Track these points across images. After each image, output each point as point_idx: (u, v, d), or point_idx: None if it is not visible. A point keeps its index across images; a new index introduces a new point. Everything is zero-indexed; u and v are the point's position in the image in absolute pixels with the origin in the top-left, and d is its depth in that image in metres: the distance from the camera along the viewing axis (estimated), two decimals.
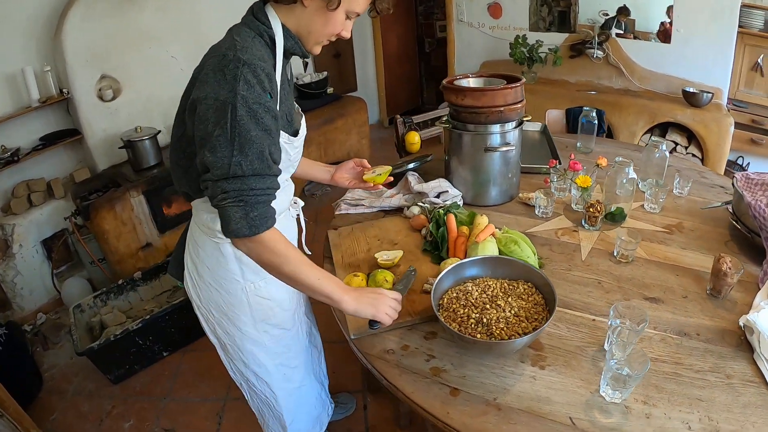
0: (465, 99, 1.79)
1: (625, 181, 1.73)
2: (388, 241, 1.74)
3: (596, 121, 2.19)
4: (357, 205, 1.93)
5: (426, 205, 1.81)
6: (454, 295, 1.38)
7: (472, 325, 1.29)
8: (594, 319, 1.44)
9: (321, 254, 1.69)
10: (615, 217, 1.77)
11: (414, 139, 2.39)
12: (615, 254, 1.65)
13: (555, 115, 2.86)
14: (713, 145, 2.80)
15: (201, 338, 2.67)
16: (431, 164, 2.12)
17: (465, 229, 1.68)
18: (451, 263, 1.52)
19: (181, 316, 2.62)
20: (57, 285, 3.11)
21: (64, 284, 3.10)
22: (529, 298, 1.37)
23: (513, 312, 1.31)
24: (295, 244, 1.56)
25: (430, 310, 1.44)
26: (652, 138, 1.95)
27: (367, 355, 1.36)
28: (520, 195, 1.93)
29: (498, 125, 1.80)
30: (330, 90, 4.33)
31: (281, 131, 1.25)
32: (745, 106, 3.08)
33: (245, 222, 1.16)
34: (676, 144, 3.04)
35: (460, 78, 1.94)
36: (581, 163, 1.87)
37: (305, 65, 4.52)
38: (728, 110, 3.03)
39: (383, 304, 1.28)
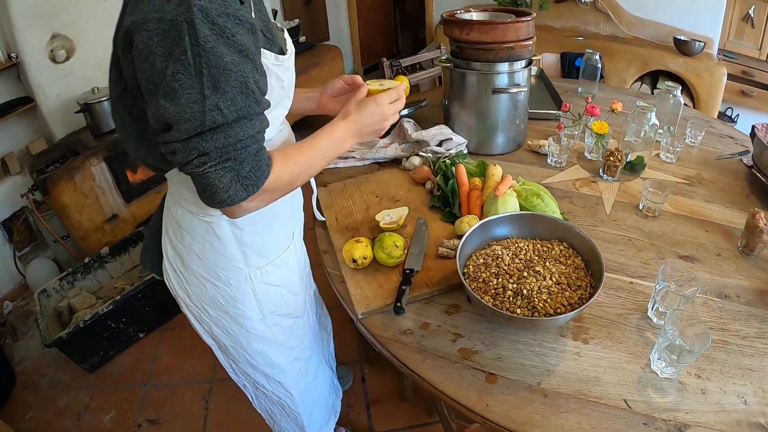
0: (471, 33, 1.47)
1: (647, 127, 1.49)
2: (388, 197, 1.44)
3: (599, 65, 1.93)
4: (347, 158, 1.61)
5: (428, 155, 1.51)
6: (482, 261, 1.11)
7: (510, 298, 1.02)
8: (632, 282, 1.21)
9: (311, 217, 1.37)
10: (635, 167, 1.54)
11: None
12: (640, 207, 1.42)
13: (550, 60, 2.58)
14: (705, 95, 2.62)
15: (178, 315, 2.36)
16: (426, 111, 1.80)
17: (477, 181, 1.40)
18: (469, 222, 1.24)
19: (154, 293, 2.28)
20: (21, 269, 2.67)
21: (28, 267, 2.66)
22: (568, 261, 1.11)
23: (554, 279, 1.06)
24: (300, 210, 1.26)
25: (449, 279, 1.17)
26: (667, 83, 1.71)
27: (380, 337, 1.08)
28: (529, 143, 1.65)
29: (507, 64, 1.50)
30: (302, 38, 3.91)
31: (263, 49, 0.89)
32: (735, 57, 2.91)
33: (238, 184, 0.83)
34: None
35: (461, 12, 1.61)
36: (598, 107, 1.60)
37: (274, 13, 4.04)
38: (719, 60, 2.85)
39: (386, 115, 1.07)
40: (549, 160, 1.58)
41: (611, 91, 2.19)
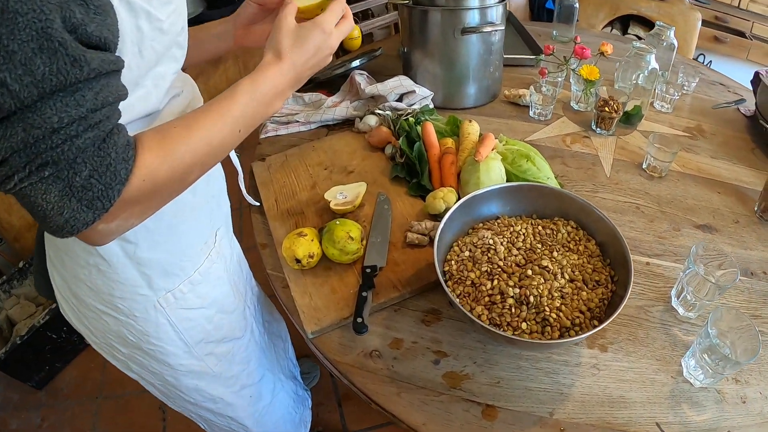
0: None
1: (646, 72, 1.19)
2: (339, 168, 1.10)
3: (576, 4, 1.60)
4: (289, 123, 1.25)
5: (386, 112, 1.17)
6: (467, 254, 0.80)
7: (511, 309, 0.72)
8: (648, 263, 0.94)
9: (242, 199, 1.02)
10: (631, 119, 1.25)
11: (354, 32, 1.61)
12: (644, 166, 1.14)
13: (518, 2, 2.24)
14: (679, 40, 2.34)
15: None
16: (381, 62, 1.44)
17: (450, 142, 1.07)
18: (444, 197, 0.93)
19: None
20: None
21: None
22: (580, 248, 0.82)
23: (567, 276, 0.77)
24: (223, 198, 0.89)
25: (424, 275, 0.86)
26: (658, 23, 1.41)
27: (338, 364, 0.77)
28: (506, 92, 1.33)
29: None
30: None
31: None
32: (707, 2, 2.63)
33: (74, 200, 0.48)
34: (639, 38, 2.56)
35: None
36: (588, 49, 1.29)
37: None
38: (691, 5, 2.58)
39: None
40: (531, 113, 1.27)
41: (589, 34, 1.87)
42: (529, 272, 0.75)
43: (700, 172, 1.16)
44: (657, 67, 1.19)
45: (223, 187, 0.86)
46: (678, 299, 0.88)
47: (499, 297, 0.73)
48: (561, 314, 0.73)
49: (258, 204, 1.01)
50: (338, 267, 0.88)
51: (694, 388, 0.77)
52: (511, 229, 0.82)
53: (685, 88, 1.40)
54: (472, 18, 1.16)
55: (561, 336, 0.72)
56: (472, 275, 0.76)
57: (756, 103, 1.31)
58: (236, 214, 1.02)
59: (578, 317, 0.73)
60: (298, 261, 0.84)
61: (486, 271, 0.76)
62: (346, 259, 0.86)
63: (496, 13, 1.18)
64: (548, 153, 1.15)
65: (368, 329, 0.75)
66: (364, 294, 0.80)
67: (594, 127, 1.23)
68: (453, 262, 0.79)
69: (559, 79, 1.30)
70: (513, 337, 0.67)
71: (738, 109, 1.41)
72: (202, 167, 0.59)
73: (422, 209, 0.97)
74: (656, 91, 1.33)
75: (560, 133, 1.22)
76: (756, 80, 1.32)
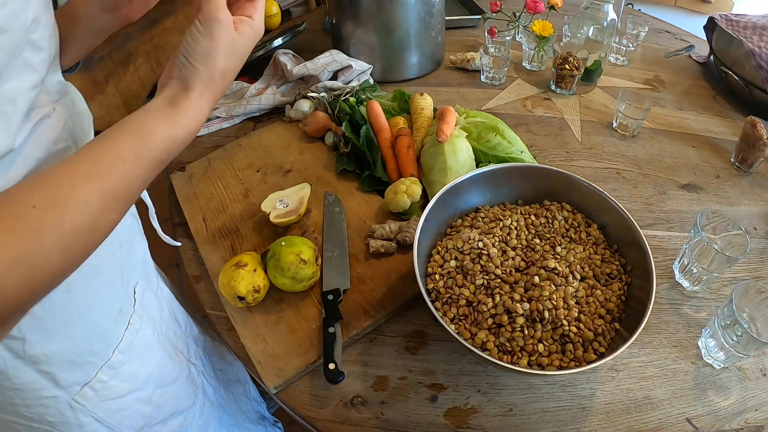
0: None
1: (605, 23, 1.05)
2: (273, 168, 0.89)
3: None
4: (209, 120, 1.00)
5: (321, 94, 0.97)
6: (454, 264, 0.62)
7: (523, 331, 0.56)
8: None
9: (166, 224, 0.80)
10: (591, 75, 1.11)
11: (271, 9, 1.34)
12: (614, 125, 1.01)
13: None
14: None
15: None
16: (305, 39, 1.22)
17: (401, 121, 0.89)
18: (408, 190, 0.75)
19: None
20: None
21: None
22: (582, 235, 0.68)
23: (578, 276, 0.62)
24: (139, 242, 0.67)
25: (397, 290, 0.69)
26: None
27: (316, 422, 0.59)
28: (451, 58, 1.16)
29: None
30: None
31: None
32: None
33: None
34: None
35: None
36: (542, 2, 1.13)
37: None
38: None
39: (246, 45, 0.48)
40: (483, 77, 1.11)
41: None
42: (536, 279, 0.59)
43: (671, 126, 1.06)
44: (616, 17, 1.06)
45: (133, 227, 0.64)
46: (681, 273, 0.76)
47: (506, 317, 0.57)
48: (581, 325, 0.58)
49: (179, 245, 0.78)
50: (292, 296, 0.68)
51: (716, 370, 0.67)
52: (500, 223, 0.66)
53: (639, 38, 1.29)
54: None
55: (584, 350, 0.58)
56: (466, 292, 0.60)
57: (712, 48, 1.22)
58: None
59: (600, 325, 0.59)
60: (241, 299, 0.64)
61: (482, 284, 0.60)
62: (301, 287, 0.67)
63: None
64: (511, 121, 0.99)
65: (344, 377, 0.58)
66: (330, 330, 0.62)
67: (553, 87, 1.09)
68: (437, 276, 0.62)
69: (507, 38, 1.15)
70: (540, 372, 0.52)
71: (690, 56, 1.32)
72: (76, 262, 0.38)
73: (381, 207, 0.79)
74: (611, 43, 1.21)
75: (519, 97, 1.07)
76: (710, 26, 1.23)
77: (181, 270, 0.78)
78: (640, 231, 0.64)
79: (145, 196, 0.64)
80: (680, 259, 0.77)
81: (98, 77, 1.28)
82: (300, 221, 0.77)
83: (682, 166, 0.97)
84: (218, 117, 1.01)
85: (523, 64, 1.17)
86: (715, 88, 1.20)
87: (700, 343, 0.70)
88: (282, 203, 0.76)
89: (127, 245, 0.59)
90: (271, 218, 0.74)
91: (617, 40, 1.20)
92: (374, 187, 0.82)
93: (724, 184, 0.95)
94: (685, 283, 0.76)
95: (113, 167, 0.38)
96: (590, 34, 1.11)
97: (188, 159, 0.95)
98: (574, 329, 0.58)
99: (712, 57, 1.25)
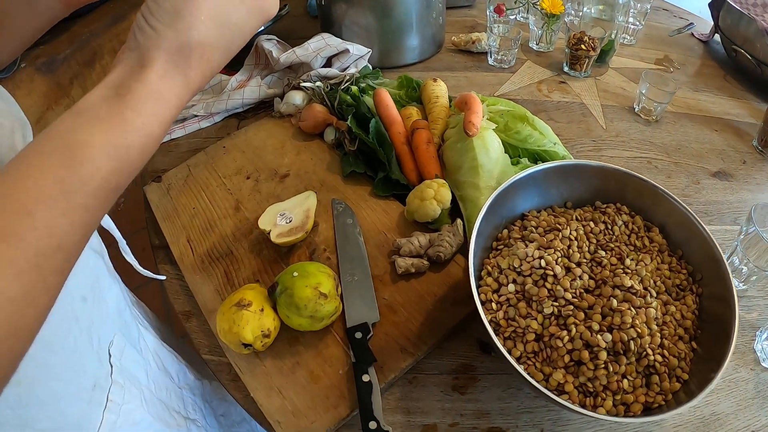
0: None
1: (620, 1, 0.93)
2: (266, 173, 0.73)
3: None
4: (185, 120, 0.84)
5: (316, 84, 0.82)
6: (512, 287, 0.49)
7: (607, 367, 0.45)
8: None
9: (141, 249, 0.63)
10: (604, 55, 1.00)
11: None
12: (636, 109, 0.91)
13: None
14: None
15: None
16: (288, 25, 1.05)
17: (414, 112, 0.75)
18: (437, 195, 0.62)
19: None
20: None
21: None
22: (645, 241, 0.56)
23: (653, 293, 0.50)
24: (108, 281, 0.51)
25: (435, 318, 0.56)
26: None
27: None
28: (454, 39, 1.02)
29: None
30: None
31: None
32: None
33: None
34: None
35: None
36: None
37: None
38: None
39: (244, 16, 0.33)
40: (491, 60, 0.98)
41: None
42: (614, 303, 0.47)
43: (690, 109, 0.96)
44: None
45: (99, 270, 0.48)
46: (732, 271, 0.67)
47: (586, 353, 0.45)
48: (665, 351, 0.47)
49: (163, 278, 0.62)
50: (308, 334, 0.55)
51: None
52: (558, 234, 0.53)
53: (645, 16, 1.19)
54: None
55: (669, 379, 0.47)
56: (534, 324, 0.47)
57: (719, 27, 1.13)
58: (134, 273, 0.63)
59: (682, 349, 0.48)
60: (247, 345, 0.50)
61: (552, 313, 0.48)
62: (321, 326, 0.53)
63: None
64: (530, 108, 0.85)
65: None
66: (365, 378, 0.49)
67: (567, 69, 0.97)
68: (494, 304, 0.49)
69: (512, 18, 1.02)
70: (634, 419, 0.40)
71: (692, 34, 1.23)
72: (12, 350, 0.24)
73: (403, 216, 0.66)
74: (617, 21, 1.09)
75: (532, 81, 0.95)
76: (717, 2, 1.14)
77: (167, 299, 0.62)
78: (709, 233, 0.53)
79: (111, 225, 0.48)
80: (729, 257, 0.68)
81: (62, 80, 1.11)
82: (307, 238, 0.63)
83: (710, 152, 0.88)
84: (195, 116, 0.84)
85: (531, 45, 1.04)
86: (723, 68, 1.12)
87: (756, 347, 0.61)
88: (284, 218, 0.62)
89: (93, 296, 0.43)
90: (273, 238, 0.59)
91: (624, 19, 1.09)
92: (391, 191, 0.68)
93: (752, 170, 0.87)
94: (736, 282, 0.66)
95: (26, 218, 0.24)
96: (593, 11, 1.00)
97: (164, 167, 0.79)
98: (659, 358, 0.47)
99: (717, 35, 1.17)
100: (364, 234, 0.64)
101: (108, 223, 0.48)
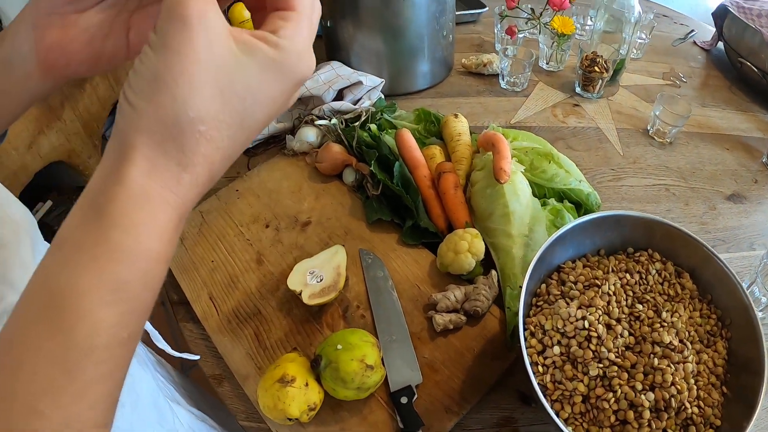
0: None
1: (633, 19, 0.96)
2: (286, 221, 0.73)
3: None
4: None
5: (331, 121, 0.82)
6: (557, 349, 0.51)
7: (651, 425, 0.47)
8: None
9: (167, 322, 0.64)
10: (615, 74, 1.03)
11: (242, 14, 1.09)
12: (650, 131, 0.94)
13: None
14: None
15: None
16: None
17: (437, 152, 0.77)
18: (471, 247, 0.63)
19: None
20: None
21: None
22: (677, 289, 0.59)
23: (689, 346, 0.53)
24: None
25: (478, 374, 0.58)
26: None
27: None
28: (464, 62, 1.03)
29: None
30: None
31: None
32: None
33: None
34: None
35: None
36: None
37: None
38: None
39: (262, 79, 0.25)
40: (502, 83, 1.00)
41: None
42: (655, 361, 0.50)
43: (701, 127, 1.00)
44: (641, 10, 0.96)
45: (132, 365, 0.48)
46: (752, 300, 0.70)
47: (631, 413, 0.48)
48: (701, 403, 0.50)
49: (197, 358, 0.61)
50: (352, 401, 0.56)
51: None
52: (598, 291, 0.56)
53: (652, 29, 1.22)
54: None
55: (705, 428, 0.50)
56: (581, 386, 0.49)
57: (724, 38, 1.17)
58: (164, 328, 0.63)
59: (716, 398, 0.51)
60: (292, 419, 0.51)
61: (598, 375, 0.50)
62: (366, 395, 0.54)
63: None
64: (548, 136, 0.89)
65: None
66: None
67: (579, 91, 1.00)
68: (539, 367, 0.52)
69: (520, 36, 1.03)
70: None
71: (695, 42, 1.27)
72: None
73: (433, 264, 0.67)
74: (624, 35, 1.12)
75: (546, 105, 0.97)
76: (720, 12, 1.18)
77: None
78: (738, 279, 0.56)
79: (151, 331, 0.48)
80: (749, 287, 0.72)
81: (53, 103, 1.10)
82: (339, 297, 0.64)
83: (723, 174, 0.93)
84: None
85: (541, 64, 1.06)
86: (728, 78, 1.17)
87: None
88: (314, 277, 0.62)
89: (130, 400, 0.44)
90: (306, 300, 0.60)
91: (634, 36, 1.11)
92: (420, 239, 0.69)
93: (763, 189, 0.92)
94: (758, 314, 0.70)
95: (39, 420, 0.21)
96: (603, 24, 1.02)
97: None
98: (696, 410, 0.50)
99: (721, 44, 1.21)
100: (396, 286, 0.65)
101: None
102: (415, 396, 0.55)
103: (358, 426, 0.55)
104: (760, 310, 0.71)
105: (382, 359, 0.57)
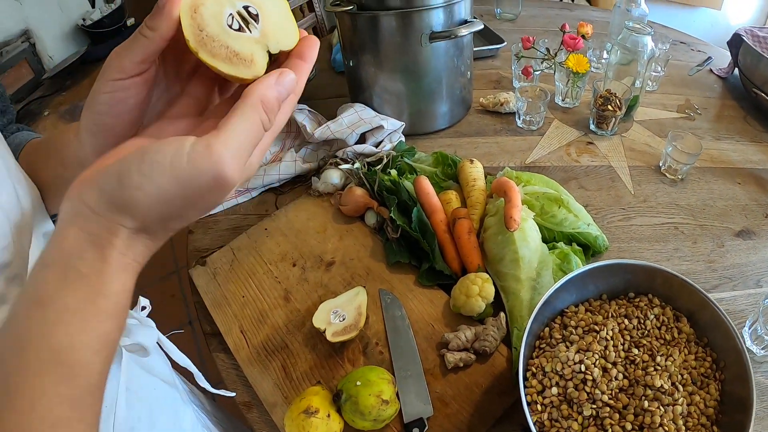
0: None
1: (645, 57, 1.02)
2: (312, 260, 0.83)
3: None
4: None
5: (355, 166, 0.91)
6: (555, 390, 0.59)
7: None
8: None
9: (170, 296, 0.73)
10: (630, 110, 1.09)
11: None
12: (661, 168, 1.00)
13: None
14: None
15: None
16: (315, 80, 1.14)
17: (453, 198, 0.85)
18: (481, 291, 0.71)
19: None
20: None
21: None
22: (674, 333, 0.65)
23: (680, 389, 0.60)
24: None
25: (485, 408, 0.66)
26: None
27: None
28: (482, 101, 1.11)
29: None
30: (131, 21, 2.95)
31: None
32: None
33: None
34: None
35: None
36: (580, 38, 1.07)
37: (92, 1, 2.94)
38: None
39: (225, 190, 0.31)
40: (519, 122, 1.07)
41: (533, 5, 1.66)
42: (645, 404, 0.57)
43: (714, 161, 1.06)
44: (655, 49, 1.02)
45: (175, 402, 0.57)
46: (752, 340, 0.76)
47: None
48: None
49: (233, 395, 0.70)
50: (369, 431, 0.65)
51: None
52: (596, 336, 0.63)
53: (667, 61, 1.27)
54: (437, 19, 0.91)
55: None
56: (575, 425, 0.57)
57: (739, 67, 1.22)
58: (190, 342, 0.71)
59: None
60: None
61: (591, 415, 0.57)
62: (382, 426, 0.63)
63: (464, 8, 0.94)
64: (560, 175, 0.97)
65: None
66: None
67: (593, 128, 1.06)
68: (538, 406, 0.59)
69: (536, 73, 1.11)
70: None
71: (711, 70, 1.33)
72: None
73: (447, 305, 0.75)
74: (639, 69, 1.18)
75: (561, 144, 1.04)
76: (735, 41, 1.23)
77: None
78: (733, 325, 0.62)
79: (187, 362, 0.56)
80: (751, 326, 0.77)
81: (72, 124, 1.19)
82: (360, 334, 0.73)
83: (733, 209, 0.98)
84: (235, 191, 0.93)
85: (556, 101, 1.13)
86: (744, 107, 1.22)
87: None
88: (337, 316, 0.71)
89: (172, 425, 0.53)
90: (329, 337, 0.69)
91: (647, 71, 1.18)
92: (435, 281, 0.77)
93: None
94: (755, 349, 0.76)
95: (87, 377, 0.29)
96: (618, 58, 1.08)
97: (205, 245, 0.89)
98: None
99: (736, 71, 1.26)
100: (412, 325, 0.73)
101: (185, 361, 0.56)
102: (426, 427, 0.63)
103: None
104: (763, 348, 0.76)
105: (397, 394, 0.65)
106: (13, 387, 0.28)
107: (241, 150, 0.30)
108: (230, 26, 0.34)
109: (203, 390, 0.79)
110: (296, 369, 0.71)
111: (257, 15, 0.35)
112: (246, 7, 0.35)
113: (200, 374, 0.59)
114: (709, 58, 1.36)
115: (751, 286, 0.85)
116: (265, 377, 0.70)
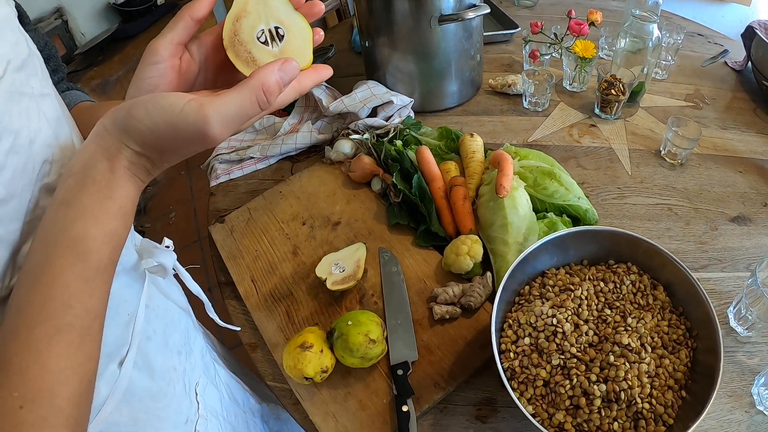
0: None
1: (651, 44, 1.04)
2: (320, 220, 0.89)
3: None
4: (242, 161, 1.01)
5: (364, 136, 0.97)
6: (527, 340, 0.64)
7: (600, 412, 0.58)
8: (697, 278, 0.83)
9: (191, 262, 0.80)
10: (635, 96, 1.11)
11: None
12: (662, 152, 1.02)
13: None
14: None
15: None
16: (335, 59, 1.20)
17: (452, 167, 0.90)
18: (470, 251, 0.76)
19: None
20: None
21: None
22: (648, 299, 0.69)
23: (649, 349, 0.63)
24: (192, 332, 0.68)
25: (465, 359, 0.71)
26: None
27: None
28: (491, 82, 1.15)
29: None
30: (161, 0, 2.82)
31: None
32: None
33: None
34: None
35: None
36: (586, 24, 1.10)
37: None
38: None
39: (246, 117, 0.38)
40: (525, 103, 1.11)
41: None
42: (611, 358, 0.61)
43: (717, 149, 1.07)
44: (660, 35, 1.04)
45: (188, 328, 0.64)
46: (736, 319, 0.78)
47: (583, 399, 0.59)
48: (653, 400, 0.60)
49: (238, 329, 0.78)
50: (359, 370, 0.70)
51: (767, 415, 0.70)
52: (571, 294, 0.67)
53: (677, 51, 1.28)
54: (447, 3, 0.96)
55: (655, 423, 0.61)
56: (543, 372, 0.61)
57: (751, 60, 1.22)
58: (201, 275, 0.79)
59: (671, 398, 0.61)
60: (308, 379, 0.66)
61: (559, 365, 0.62)
62: (369, 364, 0.68)
63: None
64: (560, 154, 1.00)
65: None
66: (404, 408, 0.64)
67: (598, 112, 1.09)
68: (511, 354, 0.64)
69: (546, 58, 1.13)
70: None
71: (726, 62, 1.32)
72: (88, 410, 0.37)
73: (440, 265, 0.81)
74: (647, 58, 1.20)
75: (564, 125, 1.07)
76: (748, 34, 1.23)
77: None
78: (707, 296, 0.65)
79: (199, 291, 0.63)
80: (736, 306, 0.79)
81: (115, 99, 1.28)
82: (356, 287, 0.79)
83: (731, 196, 0.99)
84: (252, 158, 1.01)
85: (564, 85, 1.16)
86: (755, 100, 1.22)
87: (753, 391, 0.72)
88: (338, 267, 0.77)
89: (186, 349, 0.60)
90: (329, 285, 0.75)
91: (656, 59, 1.19)
92: (431, 242, 0.83)
93: None
94: (739, 329, 0.78)
95: (68, 308, 0.34)
96: (626, 45, 1.10)
97: (224, 206, 0.96)
98: (647, 406, 0.60)
99: (750, 64, 1.25)
100: (407, 281, 0.79)
101: (196, 289, 0.63)
102: (410, 370, 0.69)
103: (362, 391, 0.69)
104: (747, 329, 0.79)
105: (386, 337, 0.71)
106: (40, 268, 0.35)
107: (228, 117, 0.36)
108: (259, 39, 0.43)
109: (216, 334, 0.86)
110: (298, 314, 0.77)
111: (283, 36, 0.44)
112: (276, 28, 0.44)
113: (210, 304, 0.66)
114: (725, 50, 1.35)
115: (741, 269, 0.86)
116: (271, 321, 0.77)
